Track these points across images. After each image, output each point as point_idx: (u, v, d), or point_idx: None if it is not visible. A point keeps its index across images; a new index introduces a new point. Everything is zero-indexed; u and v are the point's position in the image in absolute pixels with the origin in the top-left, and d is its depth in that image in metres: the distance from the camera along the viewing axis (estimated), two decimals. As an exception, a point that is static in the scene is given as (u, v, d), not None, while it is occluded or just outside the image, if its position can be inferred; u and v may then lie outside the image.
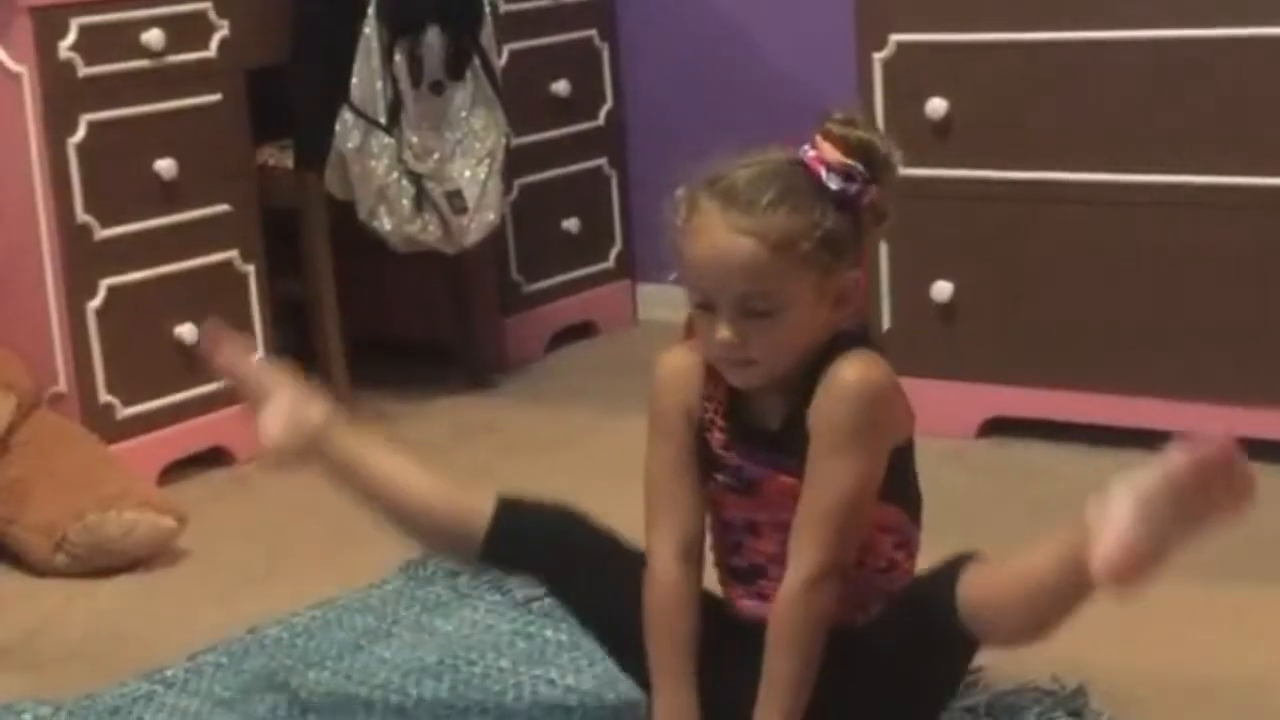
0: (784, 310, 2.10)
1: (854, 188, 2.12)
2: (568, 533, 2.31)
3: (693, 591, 2.21)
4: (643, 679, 2.27)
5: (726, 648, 2.20)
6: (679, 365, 2.24)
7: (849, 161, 2.12)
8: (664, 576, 2.20)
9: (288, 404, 2.42)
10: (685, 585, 2.20)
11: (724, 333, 2.11)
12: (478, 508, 2.35)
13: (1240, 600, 2.72)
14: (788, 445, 2.15)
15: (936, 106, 3.40)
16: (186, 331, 3.52)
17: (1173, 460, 1.89)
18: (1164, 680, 2.46)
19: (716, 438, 2.21)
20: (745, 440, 2.19)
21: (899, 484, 2.19)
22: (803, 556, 2.11)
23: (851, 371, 2.12)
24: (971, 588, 2.08)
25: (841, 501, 2.10)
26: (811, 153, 2.14)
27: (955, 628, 2.10)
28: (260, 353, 3.66)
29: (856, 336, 2.19)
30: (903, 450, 2.20)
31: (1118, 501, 1.91)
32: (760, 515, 2.20)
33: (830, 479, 2.10)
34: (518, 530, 2.34)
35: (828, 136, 2.14)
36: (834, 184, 2.12)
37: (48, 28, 3.32)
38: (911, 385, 3.45)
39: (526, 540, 2.33)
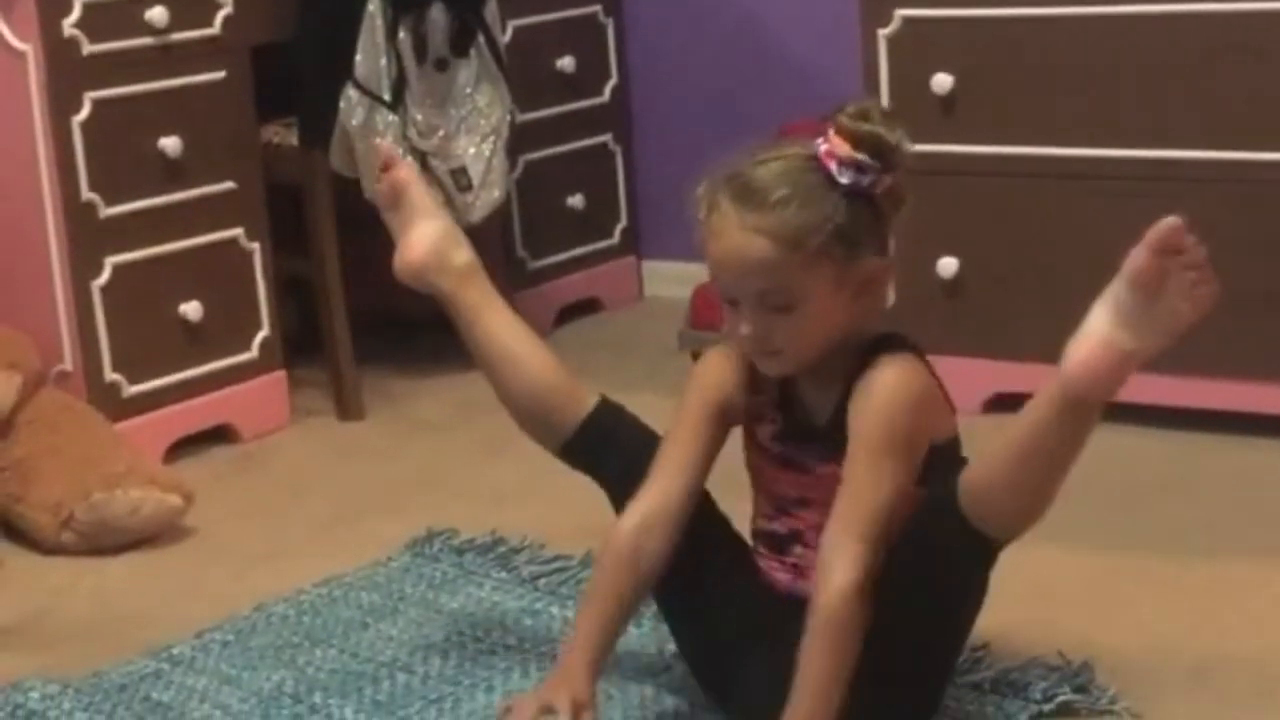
0: (803, 303, 2.15)
1: (866, 180, 2.14)
2: (651, 453, 2.33)
3: (641, 564, 2.24)
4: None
5: (761, 619, 2.24)
6: (713, 365, 2.31)
7: (859, 155, 2.14)
8: (616, 542, 2.25)
9: (437, 235, 2.54)
10: (632, 556, 2.24)
11: (746, 327, 2.18)
12: (581, 398, 2.44)
13: (1246, 576, 2.72)
14: (835, 438, 2.19)
15: (942, 82, 3.40)
16: (191, 309, 3.52)
17: (1130, 257, 2.00)
18: (1169, 656, 2.46)
19: (767, 429, 2.28)
20: (795, 434, 2.26)
21: (937, 476, 2.19)
22: (848, 559, 2.09)
23: (888, 375, 2.16)
24: (966, 478, 2.11)
25: (881, 505, 2.12)
26: (824, 146, 2.16)
27: (962, 527, 2.11)
28: (266, 329, 3.67)
29: (900, 339, 2.24)
30: (942, 447, 2.23)
31: (1090, 316, 2.04)
32: (813, 493, 2.24)
33: (868, 483, 2.13)
34: (610, 431, 2.42)
35: (840, 130, 2.15)
36: (845, 178, 2.14)
37: (52, 5, 3.32)
38: (917, 361, 3.49)
39: (614, 444, 2.40)
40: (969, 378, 3.46)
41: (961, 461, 2.22)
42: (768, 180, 2.14)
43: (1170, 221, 1.99)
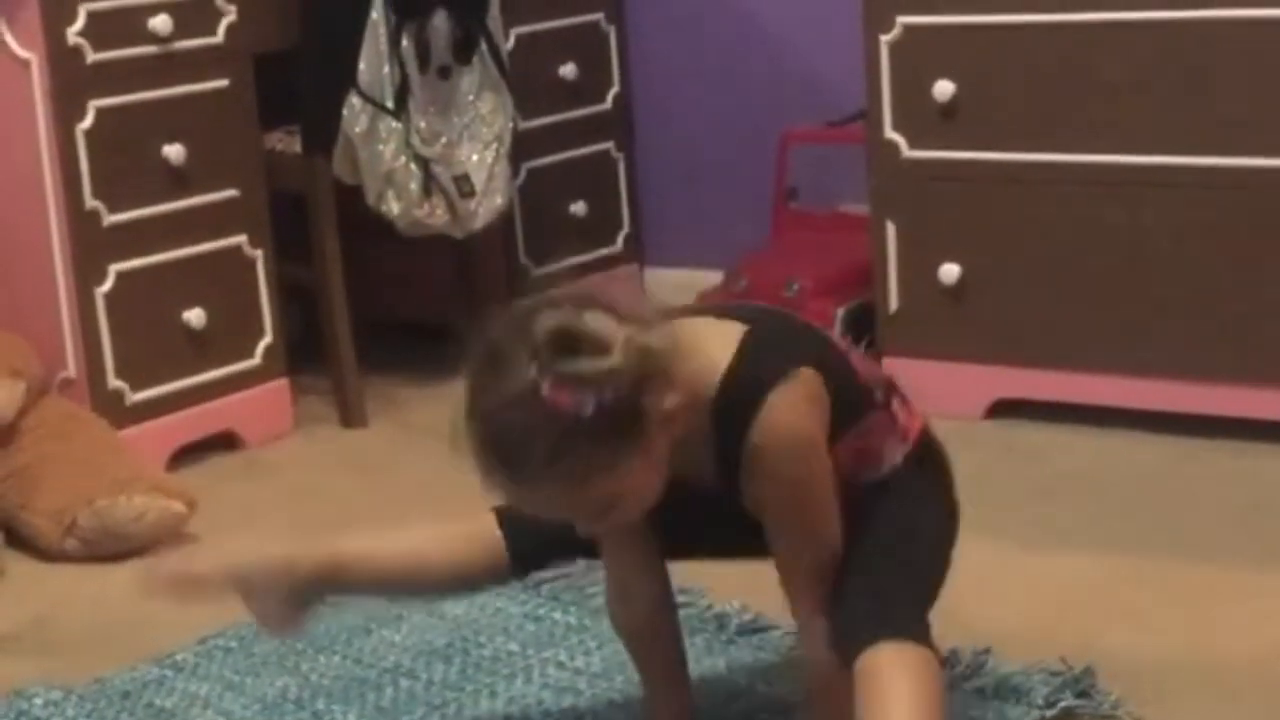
0: (622, 493, 1.96)
1: (609, 399, 1.89)
2: None
3: (665, 615, 2.23)
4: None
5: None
6: None
7: (584, 393, 1.88)
8: (630, 610, 2.22)
9: (273, 579, 2.31)
10: (655, 614, 2.22)
11: (584, 529, 2.05)
12: (485, 535, 2.33)
13: (1247, 579, 2.72)
14: (731, 495, 2.06)
15: (944, 89, 3.40)
16: (195, 316, 3.53)
17: None
18: (1172, 661, 2.46)
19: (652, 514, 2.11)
20: (688, 503, 2.08)
21: (842, 419, 2.09)
22: (816, 619, 2.06)
23: (767, 448, 1.99)
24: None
25: (827, 559, 2.06)
26: (546, 391, 1.89)
27: None
28: (269, 336, 3.67)
29: (752, 366, 2.03)
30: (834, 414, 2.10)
31: None
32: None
33: (807, 550, 2.06)
34: (534, 535, 2.31)
35: (556, 384, 1.89)
36: (589, 409, 1.89)
37: (56, 14, 3.33)
38: (919, 366, 3.50)
39: (546, 534, 2.28)
40: (971, 383, 3.47)
41: (849, 390, 2.09)
42: (515, 439, 1.90)
43: None
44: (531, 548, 2.34)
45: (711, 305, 2.18)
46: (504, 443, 1.91)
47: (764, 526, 2.08)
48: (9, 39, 3.34)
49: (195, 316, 3.53)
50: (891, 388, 2.21)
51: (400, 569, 2.35)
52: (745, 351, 2.03)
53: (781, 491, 2.03)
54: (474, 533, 2.34)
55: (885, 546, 2.11)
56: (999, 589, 2.71)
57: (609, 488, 1.93)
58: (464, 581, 2.40)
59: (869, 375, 2.18)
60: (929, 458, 2.22)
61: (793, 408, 2.01)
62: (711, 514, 2.12)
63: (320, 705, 2.48)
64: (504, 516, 2.33)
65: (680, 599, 2.63)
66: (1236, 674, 2.42)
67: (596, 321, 1.91)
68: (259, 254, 3.65)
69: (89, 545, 3.11)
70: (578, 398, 1.88)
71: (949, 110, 3.42)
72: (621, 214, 4.49)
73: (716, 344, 2.04)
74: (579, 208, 4.36)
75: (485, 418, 1.92)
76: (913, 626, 2.02)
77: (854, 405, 2.12)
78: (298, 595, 2.31)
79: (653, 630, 2.25)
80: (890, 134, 3.48)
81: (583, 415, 1.88)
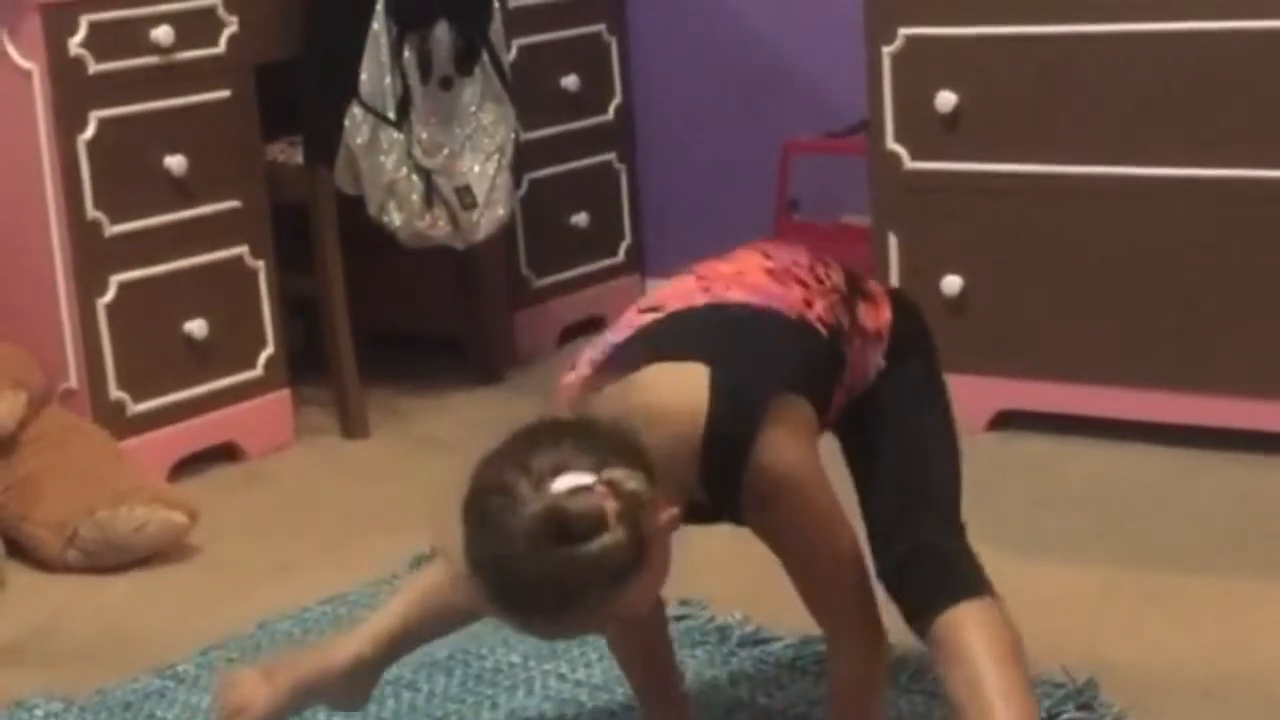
0: (631, 604, 1.88)
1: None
2: None
3: (657, 632, 2.23)
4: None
5: None
6: None
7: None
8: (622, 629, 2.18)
9: (303, 684, 2.30)
10: (647, 631, 2.21)
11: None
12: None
13: (1250, 592, 2.72)
14: (735, 513, 2.04)
15: (945, 100, 3.40)
16: (196, 327, 3.53)
17: None
18: (1174, 673, 2.46)
19: None
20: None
21: (827, 390, 2.09)
22: (853, 651, 2.07)
23: (764, 486, 1.96)
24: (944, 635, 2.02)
25: (847, 575, 2.04)
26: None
27: None
28: (270, 347, 3.67)
29: (733, 411, 1.96)
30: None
31: None
32: None
33: (827, 576, 2.04)
34: None
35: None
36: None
37: (58, 25, 3.33)
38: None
39: None
40: (974, 395, 3.46)
41: (814, 364, 2.07)
42: (523, 594, 1.83)
43: None
44: None
45: (660, 327, 2.06)
46: (510, 593, 1.84)
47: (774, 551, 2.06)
48: (11, 50, 3.34)
49: (197, 327, 3.53)
50: (855, 293, 2.14)
51: (422, 629, 2.30)
52: (718, 401, 1.95)
53: (787, 527, 2.01)
54: (441, 580, 2.24)
55: (911, 489, 2.10)
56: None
57: (619, 607, 1.87)
58: (461, 619, 2.31)
59: (833, 316, 2.10)
60: (905, 334, 2.18)
61: (781, 448, 1.97)
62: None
63: (321, 717, 2.47)
64: None
65: (682, 611, 2.64)
66: (1239, 686, 2.41)
67: (580, 494, 1.79)
68: (261, 265, 3.65)
69: (90, 556, 3.10)
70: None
71: (951, 121, 3.42)
72: (623, 225, 4.49)
73: (686, 398, 1.96)
74: (581, 219, 4.36)
75: (489, 571, 1.84)
76: (972, 582, 2.04)
77: (832, 362, 2.09)
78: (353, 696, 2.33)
79: (645, 648, 2.25)
80: (892, 145, 3.48)
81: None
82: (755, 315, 2.07)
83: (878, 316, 2.17)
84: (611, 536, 1.79)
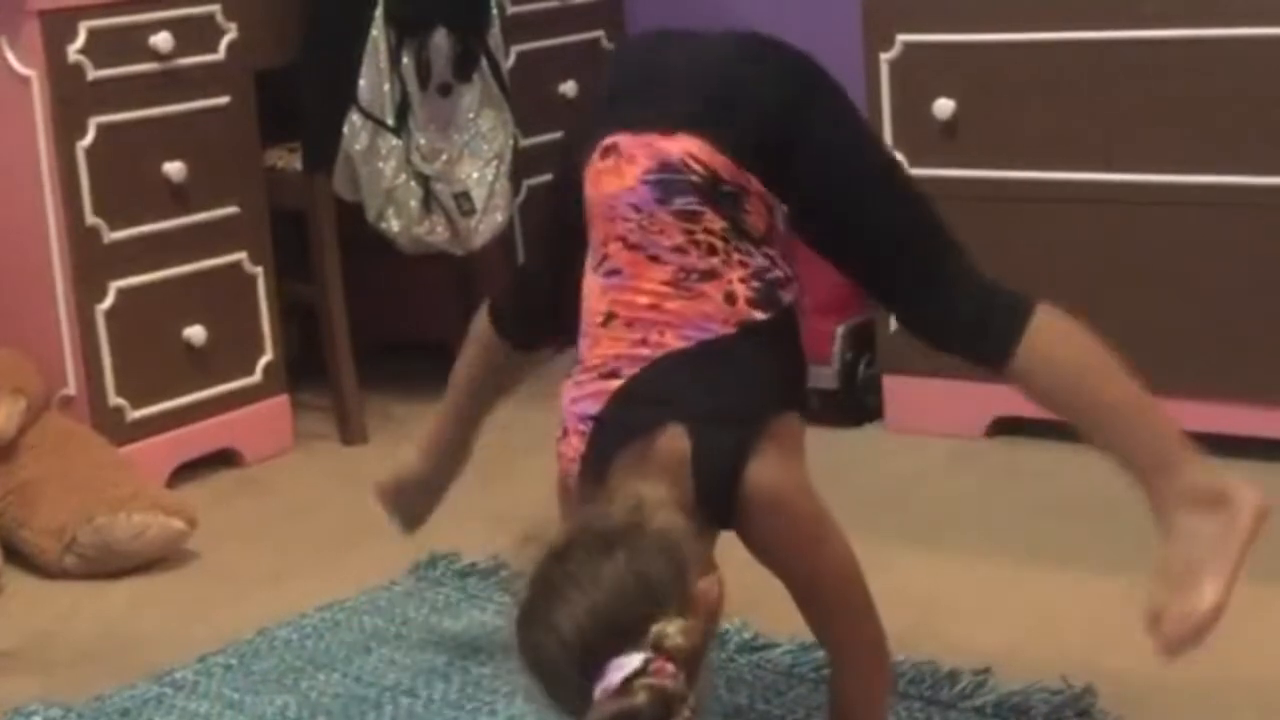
0: None
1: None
2: (554, 282, 2.36)
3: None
4: None
5: None
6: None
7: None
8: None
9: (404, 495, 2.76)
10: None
11: None
12: (486, 337, 2.58)
13: (1248, 599, 2.71)
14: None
15: (943, 107, 3.41)
16: (195, 334, 3.53)
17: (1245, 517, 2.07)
18: (1172, 681, 2.45)
19: None
20: None
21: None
22: (850, 648, 2.12)
23: (757, 516, 2.04)
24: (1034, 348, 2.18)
25: (838, 584, 2.08)
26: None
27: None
28: (269, 354, 3.67)
29: (717, 435, 2.06)
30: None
31: (1210, 585, 2.06)
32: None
33: (813, 581, 2.07)
34: (522, 310, 2.54)
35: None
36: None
37: (57, 31, 3.33)
38: (920, 384, 3.50)
39: (532, 313, 2.51)
40: (972, 401, 3.47)
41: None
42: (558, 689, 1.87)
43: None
44: (517, 331, 2.55)
45: (627, 398, 2.12)
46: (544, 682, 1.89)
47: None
48: (10, 56, 3.34)
49: (195, 334, 3.53)
50: (735, 218, 2.13)
51: (460, 417, 2.67)
52: (701, 445, 2.04)
53: (781, 548, 2.05)
54: (481, 339, 2.59)
55: (894, 244, 2.18)
56: (999, 607, 2.71)
57: None
58: (503, 380, 2.64)
59: (744, 269, 2.13)
60: (785, 107, 2.18)
61: (764, 473, 2.03)
62: None
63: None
64: (494, 311, 2.57)
65: (680, 617, 2.63)
66: (1238, 694, 2.41)
67: (636, 686, 1.80)
68: (259, 271, 3.65)
69: (89, 562, 3.11)
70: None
71: (949, 128, 3.42)
72: (622, 231, 4.48)
73: (675, 460, 2.05)
74: (579, 225, 4.35)
75: (532, 661, 1.90)
76: (1013, 298, 2.19)
77: (787, 327, 2.17)
78: (423, 490, 2.74)
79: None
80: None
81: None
82: (701, 359, 2.10)
83: (759, 203, 2.15)
84: (674, 685, 1.79)
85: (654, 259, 2.11)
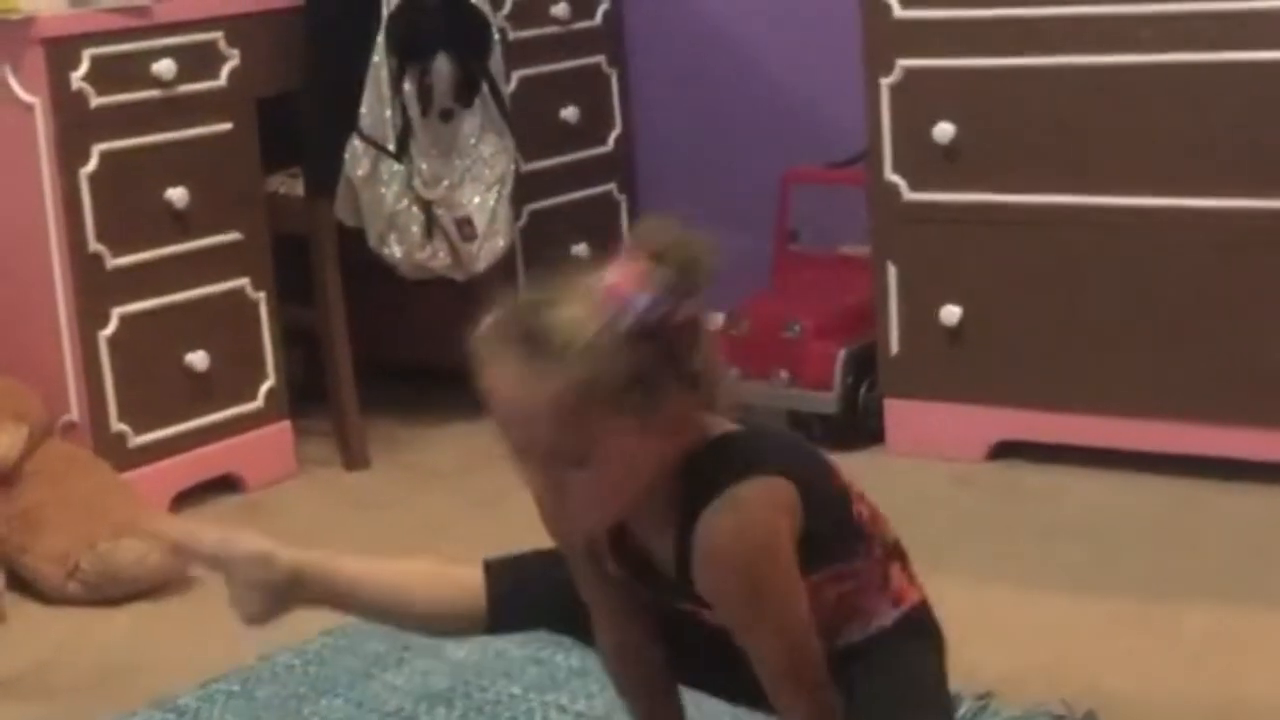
0: (600, 459, 1.88)
1: (658, 313, 1.89)
2: (563, 578, 2.18)
3: (652, 659, 2.16)
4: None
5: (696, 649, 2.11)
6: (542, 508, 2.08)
7: (648, 290, 1.89)
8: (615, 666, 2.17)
9: (246, 574, 2.34)
10: (639, 666, 2.16)
11: (538, 484, 1.96)
12: (467, 583, 2.27)
13: (1250, 623, 2.72)
14: (687, 589, 1.97)
15: (944, 131, 3.41)
16: (198, 359, 3.54)
17: None
18: (1173, 704, 2.46)
19: (613, 569, 2.07)
20: (644, 577, 2.04)
21: (822, 552, 1.99)
22: (793, 714, 2.01)
23: (720, 537, 1.91)
24: None
25: (794, 653, 1.97)
26: (611, 279, 1.91)
27: None
28: (271, 379, 3.68)
29: (741, 447, 1.97)
30: (820, 524, 1.99)
31: None
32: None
33: (768, 649, 1.97)
34: (518, 591, 2.27)
35: (631, 256, 1.92)
36: (633, 315, 1.88)
37: (60, 58, 3.34)
38: (921, 408, 3.51)
39: (530, 599, 2.26)
40: (973, 425, 3.47)
41: (846, 524, 2.02)
42: (550, 326, 1.90)
43: None
44: (511, 608, 2.27)
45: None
46: (538, 325, 1.92)
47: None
48: (13, 83, 3.35)
49: (198, 359, 3.54)
50: (896, 551, 2.08)
51: (378, 595, 2.30)
52: (736, 434, 1.97)
53: (731, 598, 1.95)
54: (460, 579, 2.27)
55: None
56: (1001, 631, 2.71)
57: (595, 435, 1.87)
58: (438, 624, 2.32)
59: (873, 527, 2.05)
60: (923, 632, 2.08)
61: (752, 516, 1.92)
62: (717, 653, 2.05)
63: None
64: (495, 576, 2.27)
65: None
66: (1238, 717, 2.41)
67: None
68: (261, 297, 3.66)
69: (91, 588, 3.11)
70: (635, 290, 1.89)
71: (950, 152, 3.43)
72: (623, 256, 4.49)
73: (712, 426, 1.98)
74: (581, 250, 4.36)
75: (534, 307, 1.95)
76: None
77: (843, 543, 2.01)
78: (272, 589, 2.31)
79: (645, 679, 2.17)
80: (891, 176, 3.49)
81: (628, 313, 1.88)
82: (820, 454, 2.06)
83: (907, 585, 2.08)
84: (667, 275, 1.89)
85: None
